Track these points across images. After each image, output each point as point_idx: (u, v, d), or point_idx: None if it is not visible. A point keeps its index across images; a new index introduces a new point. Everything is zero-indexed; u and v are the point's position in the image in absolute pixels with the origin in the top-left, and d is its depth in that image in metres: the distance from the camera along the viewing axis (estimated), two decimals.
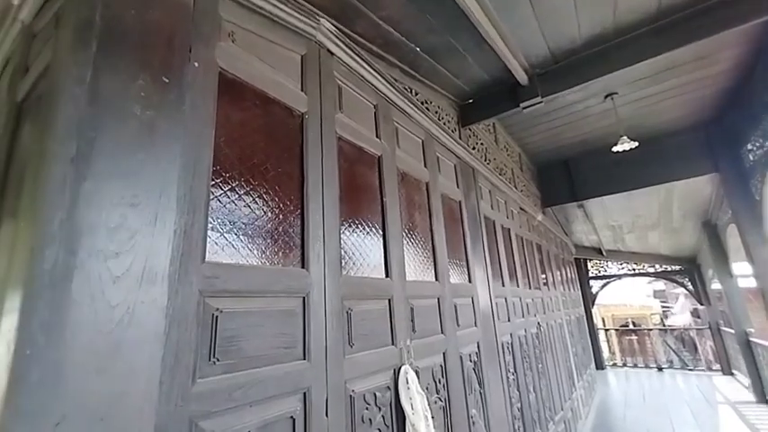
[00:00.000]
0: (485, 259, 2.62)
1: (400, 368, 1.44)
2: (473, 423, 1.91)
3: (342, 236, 1.35)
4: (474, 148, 2.95)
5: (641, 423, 4.70)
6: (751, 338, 5.35)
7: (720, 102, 3.78)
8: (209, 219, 0.95)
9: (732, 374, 7.03)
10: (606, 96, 3.48)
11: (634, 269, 8.37)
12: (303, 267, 1.16)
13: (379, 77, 1.75)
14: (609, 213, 5.88)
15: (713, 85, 3.48)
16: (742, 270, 6.13)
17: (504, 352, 2.58)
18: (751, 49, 3.00)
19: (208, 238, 0.94)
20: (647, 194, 5.25)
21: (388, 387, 1.37)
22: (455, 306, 2.03)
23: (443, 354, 1.80)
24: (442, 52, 2.02)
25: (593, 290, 8.64)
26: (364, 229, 1.49)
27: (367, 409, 1.25)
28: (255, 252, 1.06)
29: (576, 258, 8.38)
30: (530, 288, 3.69)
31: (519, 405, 2.63)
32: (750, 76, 3.32)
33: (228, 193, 1.02)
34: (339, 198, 1.36)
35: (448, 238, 2.16)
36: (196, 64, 0.98)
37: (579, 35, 2.18)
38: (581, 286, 8.55)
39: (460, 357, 1.95)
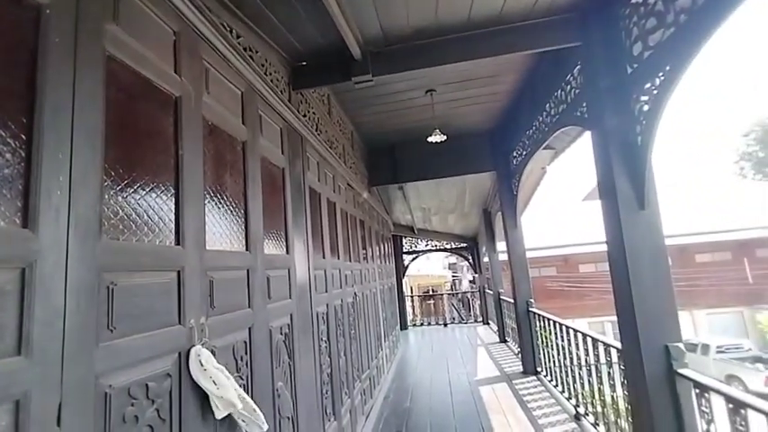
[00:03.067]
0: (306, 231, 2.57)
1: (189, 350, 1.24)
2: (278, 395, 1.86)
3: (105, 191, 1.01)
4: (305, 116, 2.83)
5: (428, 368, 5.77)
6: (501, 297, 7.29)
7: (502, 115, 4.82)
8: None
9: (488, 324, 9.48)
10: (427, 92, 3.92)
11: (436, 245, 10.11)
12: (26, 227, 0.80)
13: None
14: (422, 197, 6.84)
15: (498, 100, 4.38)
16: (501, 248, 8.24)
17: (318, 322, 2.63)
18: (522, 77, 3.90)
19: None
20: (451, 183, 6.33)
21: (169, 374, 1.15)
22: (268, 278, 1.90)
23: (249, 329, 1.67)
24: None
25: (405, 263, 10.02)
26: (147, 185, 1.17)
27: (133, 404, 1.00)
28: None
29: (393, 235, 9.47)
30: (350, 261, 3.91)
31: (329, 371, 2.75)
32: (519, 100, 4.34)
33: None
34: (104, 139, 1.02)
35: (266, 205, 1.99)
36: None
37: (408, 24, 2.32)
38: (395, 259, 9.76)
39: (270, 331, 1.86)
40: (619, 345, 2.42)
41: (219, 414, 1.22)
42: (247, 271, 1.72)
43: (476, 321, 10.15)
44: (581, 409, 3.41)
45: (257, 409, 1.37)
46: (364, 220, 5.02)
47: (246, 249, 1.74)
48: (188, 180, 1.35)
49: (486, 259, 9.33)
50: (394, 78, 3.58)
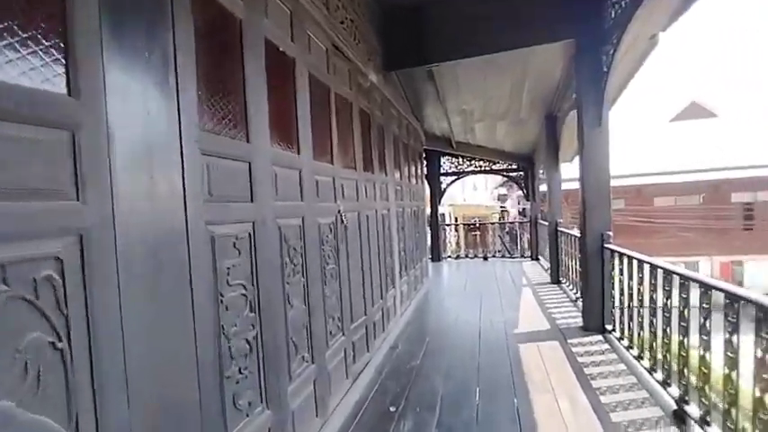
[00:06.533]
0: (175, 75, 1.23)
1: None
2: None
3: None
4: None
5: (455, 311, 4.65)
6: (559, 228, 5.72)
7: None
8: None
9: (537, 260, 8.04)
10: None
11: (481, 166, 8.42)
12: None
13: None
14: (461, 94, 5.10)
15: None
16: (566, 172, 6.43)
17: (217, 251, 1.41)
18: None
19: None
20: (502, 71, 4.52)
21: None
22: None
23: None
24: None
25: (443, 186, 8.54)
26: None
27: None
28: None
29: (428, 151, 7.90)
30: (331, 163, 2.58)
31: (255, 333, 1.61)
32: None
33: None
34: None
35: None
36: None
37: None
38: (430, 180, 8.31)
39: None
40: None
41: None
42: None
43: (522, 256, 8.75)
44: (693, 408, 2.06)
45: None
46: (372, 113, 3.56)
47: None
48: None
49: (543, 188, 7.56)
50: None
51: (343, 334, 2.61)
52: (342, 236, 2.64)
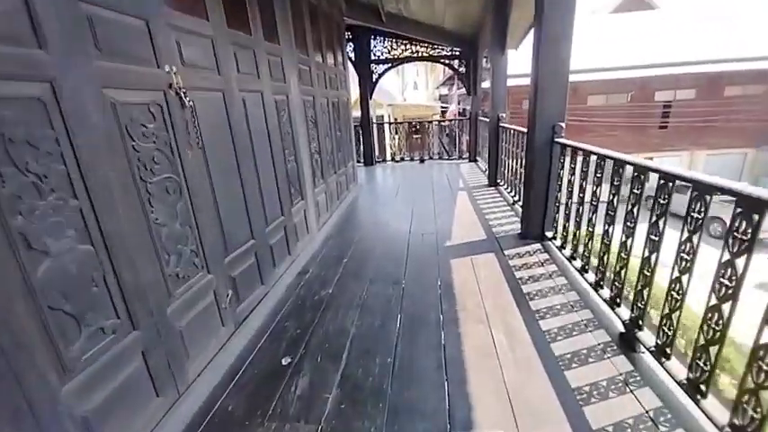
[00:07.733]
0: None
1: None
2: None
3: None
4: None
5: (382, 222, 4.04)
6: (501, 124, 5.09)
7: None
8: None
9: (476, 161, 7.62)
10: None
11: (418, 52, 7.17)
12: None
13: None
14: None
15: None
16: (510, 67, 5.45)
17: None
18: None
19: None
20: None
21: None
22: None
23: None
24: None
25: (375, 75, 7.27)
26: None
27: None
28: None
29: (354, 29, 6.45)
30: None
31: None
32: None
33: None
34: None
35: None
36: None
37: None
38: (358, 68, 7.02)
39: None
40: None
41: None
42: None
43: (461, 158, 8.26)
44: (647, 335, 1.70)
45: None
46: None
47: None
48: None
49: (485, 84, 6.66)
50: None
51: (209, 272, 1.82)
52: (185, 126, 1.65)
